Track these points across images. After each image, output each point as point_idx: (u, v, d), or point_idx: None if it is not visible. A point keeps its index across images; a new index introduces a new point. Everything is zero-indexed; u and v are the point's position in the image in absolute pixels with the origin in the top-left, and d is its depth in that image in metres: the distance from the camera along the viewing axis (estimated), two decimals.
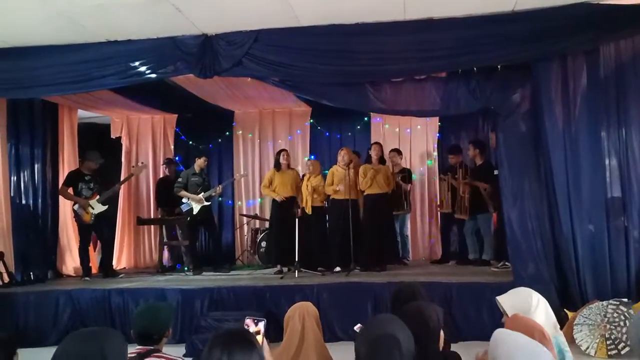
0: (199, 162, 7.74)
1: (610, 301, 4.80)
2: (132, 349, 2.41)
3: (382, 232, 7.00)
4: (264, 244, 8.10)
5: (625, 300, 4.84)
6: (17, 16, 5.01)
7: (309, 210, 7.10)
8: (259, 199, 9.15)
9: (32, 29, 5.33)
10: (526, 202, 5.48)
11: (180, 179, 7.71)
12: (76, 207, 7.21)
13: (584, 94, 5.25)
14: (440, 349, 2.35)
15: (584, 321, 4.81)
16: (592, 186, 5.22)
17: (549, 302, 2.65)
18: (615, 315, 4.70)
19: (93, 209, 7.20)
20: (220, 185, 7.87)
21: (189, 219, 7.60)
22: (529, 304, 2.57)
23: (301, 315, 3.11)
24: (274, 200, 7.34)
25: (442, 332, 2.33)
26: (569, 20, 4.96)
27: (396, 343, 1.87)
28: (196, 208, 7.52)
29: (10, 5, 4.77)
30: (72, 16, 5.02)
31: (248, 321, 2.32)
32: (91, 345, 1.78)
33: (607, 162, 5.19)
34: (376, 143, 7.54)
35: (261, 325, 2.34)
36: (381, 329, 1.95)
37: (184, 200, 7.61)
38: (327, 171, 7.49)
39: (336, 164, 7.25)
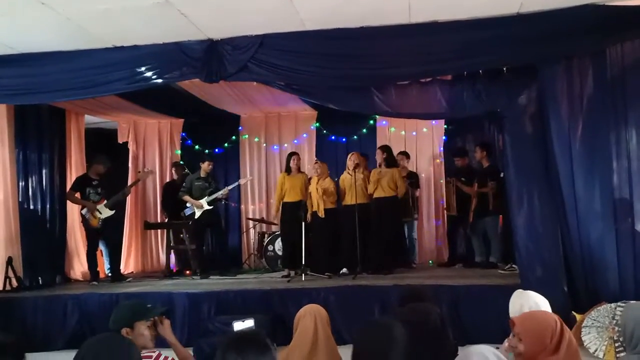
0: (204, 167, 7.70)
1: (619, 303, 4.76)
2: None
3: (388, 235, 6.99)
4: (270, 247, 8.10)
5: (634, 302, 4.81)
6: (24, 23, 5.05)
7: (321, 214, 7.07)
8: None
9: (39, 36, 5.37)
10: (533, 204, 5.45)
11: (184, 184, 7.73)
12: (84, 211, 7.25)
13: (590, 96, 5.23)
14: None
15: (592, 323, 4.78)
16: (600, 188, 5.19)
17: (556, 304, 2.67)
18: None
19: (100, 213, 7.23)
20: (226, 189, 7.84)
21: (192, 222, 7.61)
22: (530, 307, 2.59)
23: (313, 316, 3.08)
24: (283, 204, 7.34)
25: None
26: (574, 21, 4.94)
27: (388, 330, 1.89)
28: (198, 212, 7.52)
29: (18, 12, 4.80)
30: (79, 22, 5.05)
31: (236, 324, 2.35)
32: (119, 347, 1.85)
33: (614, 164, 5.15)
34: (379, 147, 7.49)
35: (250, 323, 2.38)
36: (374, 322, 2.03)
37: (187, 204, 7.64)
38: (333, 175, 7.54)
39: (345, 170, 7.27)
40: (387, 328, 1.99)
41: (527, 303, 2.76)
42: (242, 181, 8.63)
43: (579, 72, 5.26)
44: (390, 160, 7.24)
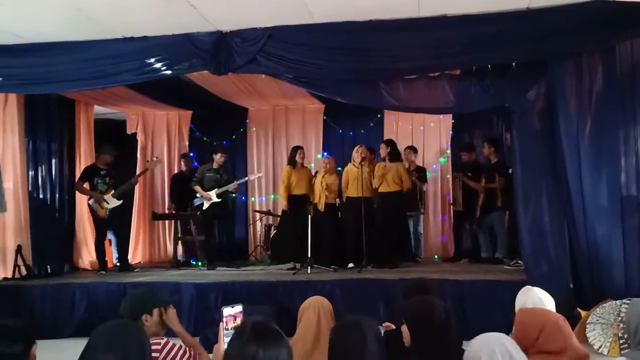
0: (217, 158, 7.63)
1: (624, 300, 4.77)
2: None
3: (393, 229, 7.00)
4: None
5: (639, 299, 4.80)
6: (35, 13, 5.08)
7: (321, 208, 7.11)
8: (272, 196, 9.19)
9: (49, 26, 5.40)
10: (540, 200, 5.44)
11: (196, 174, 7.70)
12: (91, 201, 7.30)
13: (599, 92, 5.19)
14: (407, 344, 2.36)
15: (597, 320, 4.79)
16: (607, 184, 5.17)
17: (561, 300, 2.69)
18: None
19: (108, 203, 7.27)
20: (235, 183, 7.80)
21: (201, 213, 7.63)
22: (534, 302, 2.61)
23: (316, 308, 3.08)
24: (289, 197, 7.33)
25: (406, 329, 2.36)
26: (584, 17, 4.90)
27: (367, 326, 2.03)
28: (206, 204, 7.54)
29: (28, 1, 4.83)
30: (89, 13, 5.08)
31: (225, 309, 2.35)
32: (131, 334, 1.89)
33: (622, 161, 5.12)
34: (383, 142, 7.48)
35: (239, 308, 2.39)
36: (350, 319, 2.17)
37: (197, 195, 7.66)
38: (340, 168, 7.53)
39: (350, 162, 7.27)
40: (358, 324, 2.06)
41: (531, 299, 2.78)
42: (251, 177, 8.63)
43: (589, 69, 5.23)
44: (395, 155, 7.22)
